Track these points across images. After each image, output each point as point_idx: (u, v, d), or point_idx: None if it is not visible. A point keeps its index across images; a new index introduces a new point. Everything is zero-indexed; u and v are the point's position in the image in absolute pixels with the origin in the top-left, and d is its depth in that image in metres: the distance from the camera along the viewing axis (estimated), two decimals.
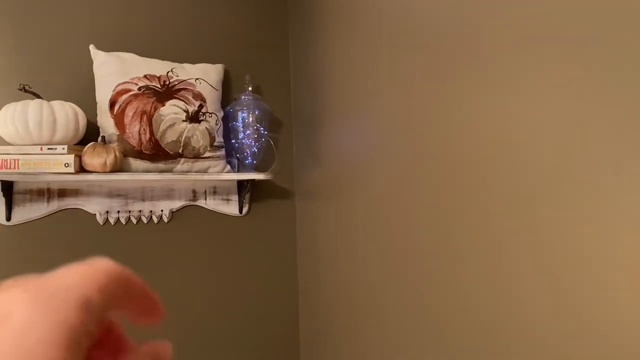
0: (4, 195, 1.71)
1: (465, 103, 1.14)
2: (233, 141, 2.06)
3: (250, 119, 2.03)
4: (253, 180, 2.10)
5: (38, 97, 1.72)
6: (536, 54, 0.92)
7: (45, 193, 1.81)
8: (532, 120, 0.93)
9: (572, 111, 0.84)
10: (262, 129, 2.05)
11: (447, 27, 1.20)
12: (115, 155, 1.71)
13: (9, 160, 1.63)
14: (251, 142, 2.04)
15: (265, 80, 2.25)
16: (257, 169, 2.09)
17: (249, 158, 2.05)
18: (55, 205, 1.82)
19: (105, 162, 1.68)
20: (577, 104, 0.83)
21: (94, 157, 1.68)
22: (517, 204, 0.97)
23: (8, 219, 1.75)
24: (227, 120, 2.06)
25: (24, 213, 1.78)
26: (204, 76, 1.96)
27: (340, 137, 1.83)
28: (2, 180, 1.67)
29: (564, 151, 0.85)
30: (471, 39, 1.11)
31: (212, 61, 2.11)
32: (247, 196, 2.13)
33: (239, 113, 2.03)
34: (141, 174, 1.77)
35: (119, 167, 1.75)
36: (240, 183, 2.11)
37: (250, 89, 2.07)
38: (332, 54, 1.90)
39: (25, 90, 1.69)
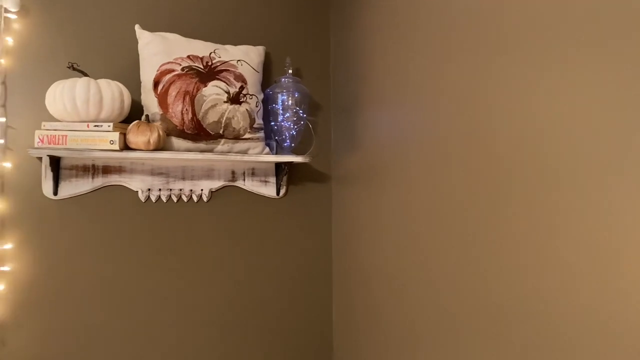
0: (52, 170, 1.76)
1: (503, 88, 1.11)
2: (272, 123, 2.07)
3: (290, 101, 2.04)
4: (291, 163, 2.11)
5: (85, 75, 1.76)
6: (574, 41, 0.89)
7: (90, 169, 1.86)
8: (572, 105, 0.90)
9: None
10: (301, 112, 2.06)
11: (484, 14, 1.18)
12: (159, 134, 1.74)
13: (57, 136, 1.68)
14: (290, 124, 2.05)
15: (305, 63, 2.25)
16: (295, 151, 2.10)
17: (288, 141, 2.06)
18: (99, 181, 1.87)
19: (149, 141, 1.72)
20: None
21: (138, 135, 1.71)
22: (559, 189, 0.95)
23: (55, 193, 1.81)
24: (267, 103, 2.07)
25: (70, 188, 1.83)
26: (245, 58, 1.98)
27: (377, 122, 1.82)
28: (50, 156, 1.73)
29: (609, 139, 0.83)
30: (509, 27, 1.08)
31: (254, 43, 2.12)
32: (285, 178, 2.15)
33: (279, 95, 2.03)
34: (183, 153, 1.80)
35: (161, 146, 1.78)
36: (278, 165, 2.13)
37: (290, 71, 2.08)
38: (371, 40, 1.89)
39: (74, 69, 1.74)
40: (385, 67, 1.78)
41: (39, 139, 1.67)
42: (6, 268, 1.75)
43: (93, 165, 1.87)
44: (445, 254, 1.37)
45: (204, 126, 1.85)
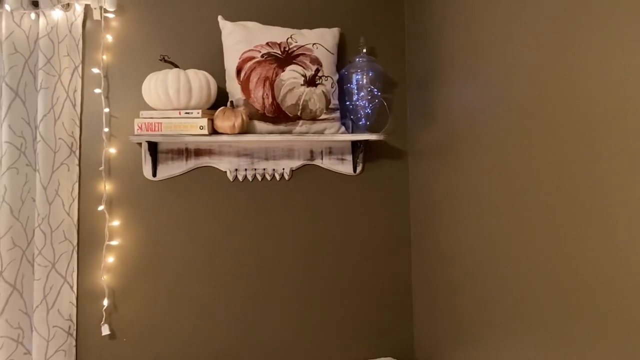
0: (150, 155, 1.96)
1: (580, 50, 1.11)
2: (347, 103, 2.14)
3: (364, 80, 2.09)
4: (367, 141, 2.18)
5: (176, 66, 1.92)
6: None
7: (184, 152, 2.04)
8: None
9: None
10: (375, 90, 2.11)
11: None
12: (243, 119, 1.88)
13: (153, 124, 1.86)
14: (365, 103, 2.11)
15: (379, 41, 2.28)
16: (370, 129, 2.16)
17: (363, 119, 2.12)
18: (192, 163, 2.05)
19: (234, 125, 1.85)
20: None
21: (224, 120, 1.85)
22: None
23: (154, 174, 2.01)
24: (342, 83, 2.14)
25: (167, 170, 2.02)
26: (320, 41, 2.05)
27: (454, 96, 1.83)
28: (148, 141, 1.91)
29: None
30: None
31: (329, 25, 2.18)
32: (361, 156, 2.22)
33: (353, 75, 2.10)
34: (265, 136, 1.93)
35: (245, 129, 1.92)
36: (354, 143, 2.20)
37: (364, 51, 2.13)
38: (445, 12, 1.89)
39: (165, 61, 1.90)
40: (460, 38, 1.79)
41: (138, 126, 1.86)
42: (115, 242, 1.98)
43: (186, 149, 2.05)
44: (534, 226, 1.38)
45: (283, 109, 1.96)
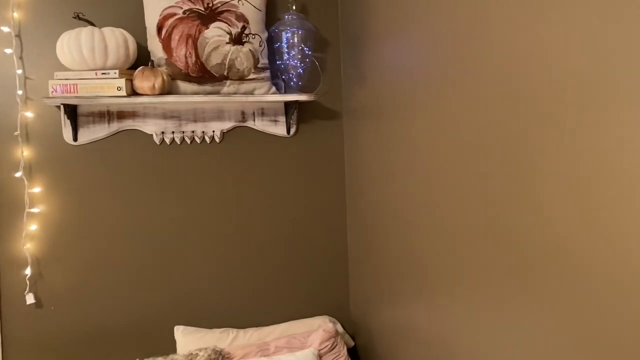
0: (69, 118, 1.87)
1: (512, 21, 1.09)
2: (278, 62, 2.08)
3: (295, 39, 2.04)
4: (300, 102, 2.13)
5: (91, 24, 1.82)
6: None
7: (105, 115, 1.96)
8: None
9: None
10: (306, 49, 2.06)
11: None
12: (163, 79, 1.81)
13: (69, 85, 1.77)
14: (296, 62, 2.06)
15: None
16: (303, 90, 2.12)
17: (294, 79, 2.07)
18: (115, 126, 1.97)
19: (154, 85, 1.78)
20: None
21: (143, 81, 1.78)
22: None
23: (75, 139, 1.93)
24: (272, 42, 2.08)
25: (88, 134, 1.95)
26: None
27: (384, 56, 1.80)
28: (66, 104, 1.83)
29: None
30: None
31: None
32: (295, 117, 2.18)
33: (283, 34, 2.03)
34: (188, 97, 1.87)
35: (167, 90, 1.85)
36: (287, 104, 2.16)
37: (294, 8, 2.06)
38: None
39: (79, 18, 1.80)
40: None
41: (53, 88, 1.77)
42: (37, 210, 1.91)
43: (108, 112, 1.97)
44: (454, 186, 1.38)
45: (208, 68, 1.90)
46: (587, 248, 0.85)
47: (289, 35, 2.04)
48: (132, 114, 1.99)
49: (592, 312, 0.85)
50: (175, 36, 1.87)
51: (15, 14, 1.87)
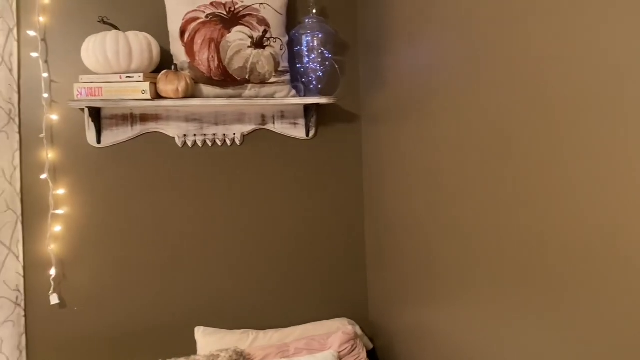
0: (93, 121, 1.90)
1: (534, 22, 1.09)
2: (298, 66, 2.10)
3: (315, 42, 2.05)
4: (319, 105, 2.14)
5: (116, 28, 1.85)
6: None
7: (129, 118, 1.98)
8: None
9: None
10: (326, 52, 2.07)
11: None
12: (187, 82, 1.83)
13: (93, 88, 1.80)
14: (316, 66, 2.07)
15: (330, 1, 2.22)
16: (322, 93, 2.13)
17: (314, 82, 2.09)
18: (138, 129, 2.00)
19: (177, 89, 1.80)
20: None
21: (167, 84, 1.80)
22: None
23: (98, 141, 1.95)
24: (292, 45, 2.09)
25: (112, 137, 1.97)
26: (267, 1, 1.99)
27: (404, 57, 1.80)
28: (90, 107, 1.85)
29: None
30: None
31: None
32: (314, 120, 2.19)
33: (303, 37, 2.05)
34: (211, 100, 1.88)
35: (190, 93, 1.87)
36: (306, 107, 2.17)
37: (314, 11, 2.07)
38: None
39: (104, 22, 1.83)
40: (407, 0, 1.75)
41: (78, 91, 1.80)
42: (61, 211, 1.94)
43: (131, 114, 1.99)
44: (480, 191, 1.38)
45: (230, 72, 1.92)
46: (611, 251, 0.85)
47: (309, 38, 2.05)
48: (155, 117, 2.01)
49: (615, 314, 0.85)
50: (198, 40, 1.89)
51: (41, 18, 1.90)
